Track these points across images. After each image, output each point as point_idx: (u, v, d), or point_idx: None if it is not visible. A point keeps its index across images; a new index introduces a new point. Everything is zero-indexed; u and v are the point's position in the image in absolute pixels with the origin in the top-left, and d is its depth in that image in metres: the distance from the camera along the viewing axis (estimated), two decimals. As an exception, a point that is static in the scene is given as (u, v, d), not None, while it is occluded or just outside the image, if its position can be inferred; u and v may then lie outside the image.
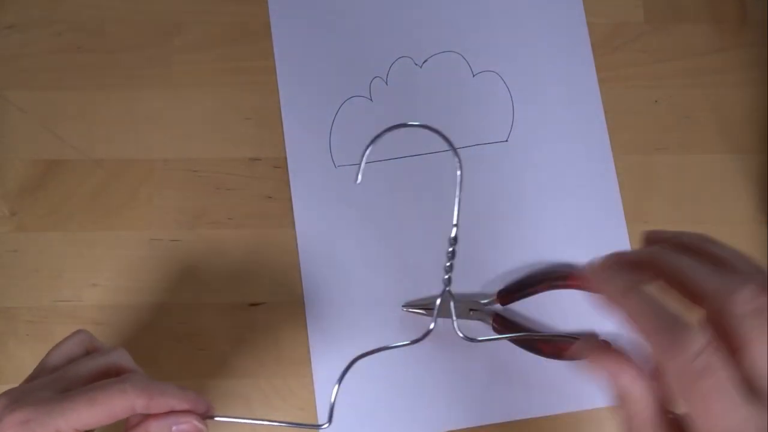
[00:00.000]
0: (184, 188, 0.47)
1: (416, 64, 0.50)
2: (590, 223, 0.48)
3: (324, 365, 0.45)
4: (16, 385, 0.43)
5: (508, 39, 0.51)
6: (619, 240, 0.48)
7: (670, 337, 0.23)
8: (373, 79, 0.50)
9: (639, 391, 0.25)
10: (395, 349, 0.37)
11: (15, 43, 0.48)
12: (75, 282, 0.46)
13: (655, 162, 0.50)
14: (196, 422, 0.30)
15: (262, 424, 0.34)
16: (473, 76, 0.50)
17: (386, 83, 0.50)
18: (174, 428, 0.29)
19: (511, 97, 0.50)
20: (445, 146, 0.50)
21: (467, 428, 0.45)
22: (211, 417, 0.32)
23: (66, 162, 0.47)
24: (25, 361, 0.44)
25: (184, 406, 0.30)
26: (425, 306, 0.45)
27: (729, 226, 0.49)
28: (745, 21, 0.52)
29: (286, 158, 0.48)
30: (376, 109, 0.49)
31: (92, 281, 0.46)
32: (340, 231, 0.47)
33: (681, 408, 0.24)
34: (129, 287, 0.46)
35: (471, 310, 0.44)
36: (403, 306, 0.45)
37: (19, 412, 0.27)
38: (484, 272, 0.47)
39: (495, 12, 0.51)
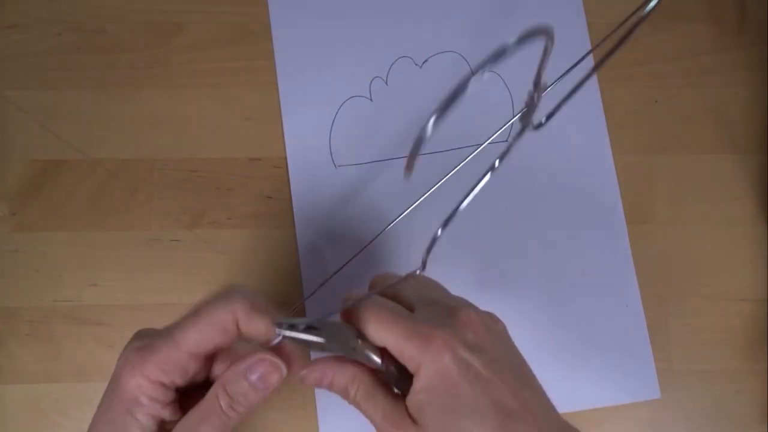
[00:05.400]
0: (184, 188, 0.47)
1: (416, 64, 0.50)
2: (590, 223, 0.48)
3: (324, 365, 0.45)
4: (15, 384, 0.43)
5: (508, 39, 0.51)
6: (619, 240, 0.48)
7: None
8: (373, 79, 0.50)
9: (343, 378, 0.32)
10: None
11: (15, 43, 0.48)
12: (75, 282, 0.46)
13: (655, 162, 0.50)
14: (270, 363, 0.30)
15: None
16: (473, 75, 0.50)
17: (386, 83, 0.50)
18: (250, 377, 0.30)
19: (511, 97, 0.50)
20: (445, 146, 0.50)
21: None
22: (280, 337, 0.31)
23: (66, 162, 0.47)
24: (25, 361, 0.45)
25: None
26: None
27: (729, 226, 0.49)
28: (745, 21, 0.52)
29: (286, 158, 0.48)
30: (376, 109, 0.49)
31: (92, 281, 0.46)
32: (340, 231, 0.47)
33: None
34: (129, 287, 0.46)
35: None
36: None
37: (138, 341, 0.29)
38: (483, 272, 0.47)
39: (495, 12, 0.51)
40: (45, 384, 0.44)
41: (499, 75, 0.50)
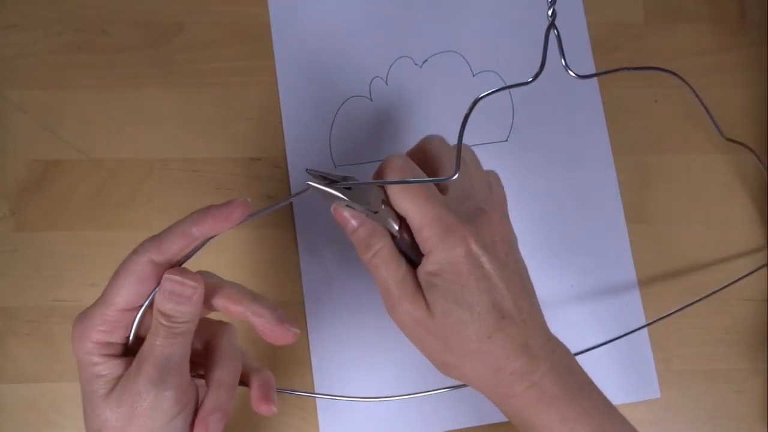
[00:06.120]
0: (184, 188, 0.47)
1: (416, 64, 0.50)
2: (590, 223, 0.48)
3: (324, 365, 0.45)
4: (14, 384, 0.43)
5: (508, 39, 0.51)
6: (619, 240, 0.48)
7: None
8: (373, 79, 0.50)
9: (373, 233, 0.34)
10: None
11: (15, 42, 0.48)
12: (75, 282, 0.46)
13: (655, 162, 0.50)
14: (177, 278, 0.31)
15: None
16: (473, 76, 0.50)
17: (386, 83, 0.50)
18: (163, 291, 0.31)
19: (511, 97, 0.50)
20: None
21: (467, 428, 0.45)
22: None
23: (66, 162, 0.47)
24: (25, 361, 0.44)
25: (190, 236, 0.31)
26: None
27: (729, 226, 0.49)
28: (745, 21, 0.52)
29: (286, 158, 0.48)
30: (376, 109, 0.49)
31: (92, 281, 0.46)
32: (340, 230, 0.47)
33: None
34: (129, 287, 0.46)
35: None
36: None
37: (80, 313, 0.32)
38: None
39: (495, 12, 0.51)
40: (44, 384, 0.44)
41: (498, 75, 0.50)
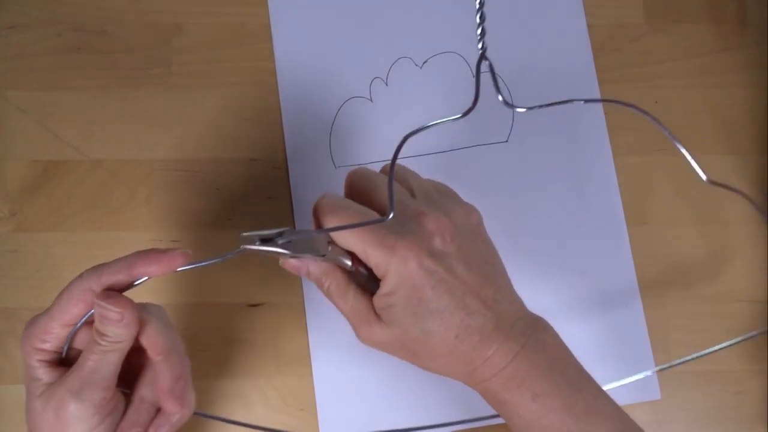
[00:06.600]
0: (184, 188, 0.47)
1: (416, 64, 0.50)
2: (590, 224, 0.48)
3: (324, 365, 0.45)
4: (14, 385, 0.43)
5: (509, 39, 0.51)
6: (619, 240, 0.48)
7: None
8: (373, 79, 0.50)
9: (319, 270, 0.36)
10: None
11: (15, 43, 0.48)
12: (75, 282, 0.46)
13: (655, 162, 0.50)
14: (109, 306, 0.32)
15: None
16: (473, 76, 0.50)
17: (386, 83, 0.50)
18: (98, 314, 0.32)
19: (512, 97, 0.50)
20: (447, 147, 0.50)
21: (466, 429, 0.45)
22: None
23: (66, 162, 0.47)
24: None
25: (136, 268, 0.33)
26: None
27: (729, 226, 0.49)
28: (745, 21, 0.52)
29: (286, 158, 0.48)
30: (376, 110, 0.49)
31: (92, 281, 0.46)
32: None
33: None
34: (129, 287, 0.46)
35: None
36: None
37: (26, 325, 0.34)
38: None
39: (495, 12, 0.51)
40: (45, 384, 0.44)
41: (499, 75, 0.50)
